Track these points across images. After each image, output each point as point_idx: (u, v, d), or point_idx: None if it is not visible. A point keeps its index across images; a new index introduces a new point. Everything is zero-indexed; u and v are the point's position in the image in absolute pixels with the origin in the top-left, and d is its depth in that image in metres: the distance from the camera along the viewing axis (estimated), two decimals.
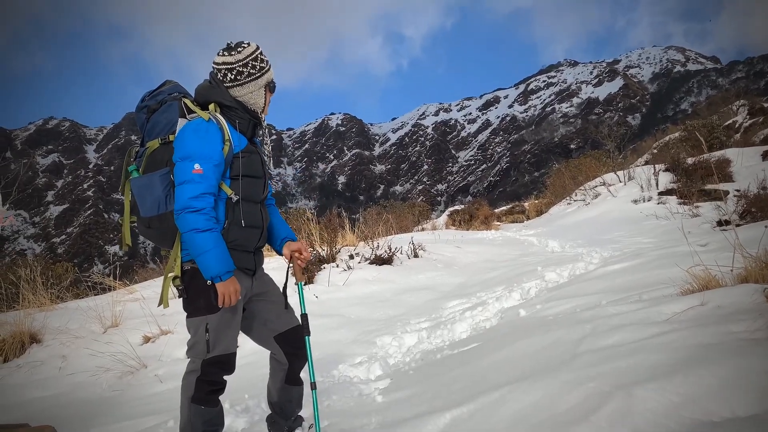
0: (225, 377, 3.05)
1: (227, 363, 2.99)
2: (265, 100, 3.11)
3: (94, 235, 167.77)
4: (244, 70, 2.99)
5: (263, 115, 3.13)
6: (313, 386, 3.19)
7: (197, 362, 2.94)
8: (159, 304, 3.09)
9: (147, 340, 6.44)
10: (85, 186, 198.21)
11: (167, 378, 5.33)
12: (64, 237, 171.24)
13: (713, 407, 2.20)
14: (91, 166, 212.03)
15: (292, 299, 3.33)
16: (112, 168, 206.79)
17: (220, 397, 3.08)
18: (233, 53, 2.99)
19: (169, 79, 3.45)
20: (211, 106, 2.97)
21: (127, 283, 9.50)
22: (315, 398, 3.19)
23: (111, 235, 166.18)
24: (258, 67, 3.03)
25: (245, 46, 3.02)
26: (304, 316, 3.23)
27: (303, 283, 3.38)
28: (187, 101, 3.00)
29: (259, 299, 3.20)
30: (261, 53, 3.04)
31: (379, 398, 3.81)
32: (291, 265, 3.36)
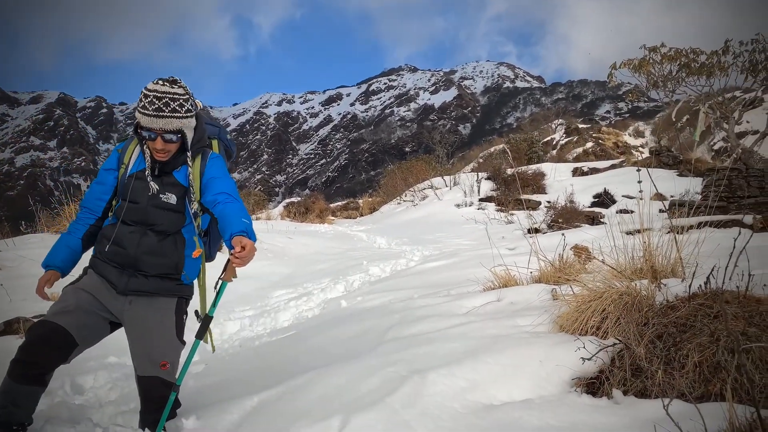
0: (43, 361, 2.68)
1: (38, 329, 2.69)
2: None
3: None
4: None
5: (151, 152, 2.87)
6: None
7: None
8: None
9: None
10: None
11: None
12: None
13: (494, 392, 2.49)
14: None
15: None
16: None
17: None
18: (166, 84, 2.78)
19: None
20: None
21: None
22: (163, 419, 2.82)
23: None
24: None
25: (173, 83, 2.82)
26: (208, 318, 2.95)
27: (227, 283, 3.02)
28: None
29: (131, 329, 2.91)
30: (150, 91, 2.74)
31: (190, 383, 3.77)
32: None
